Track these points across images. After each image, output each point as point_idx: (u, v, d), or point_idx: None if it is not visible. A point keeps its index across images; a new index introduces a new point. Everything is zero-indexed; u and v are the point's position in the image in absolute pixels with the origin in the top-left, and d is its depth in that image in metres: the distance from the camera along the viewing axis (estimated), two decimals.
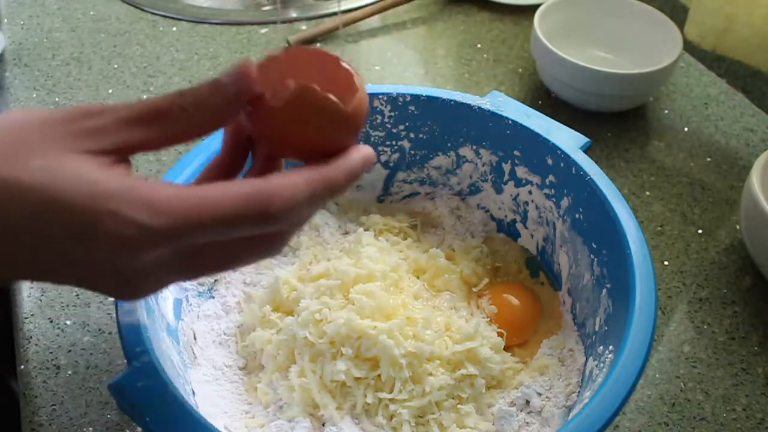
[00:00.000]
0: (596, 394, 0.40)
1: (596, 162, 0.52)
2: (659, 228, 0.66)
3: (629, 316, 0.43)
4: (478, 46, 0.86)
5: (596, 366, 0.46)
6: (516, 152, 0.56)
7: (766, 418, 0.53)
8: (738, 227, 0.66)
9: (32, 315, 0.56)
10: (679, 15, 0.81)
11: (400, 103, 0.56)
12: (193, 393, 0.46)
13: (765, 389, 0.55)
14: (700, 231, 0.66)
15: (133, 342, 0.40)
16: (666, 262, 0.63)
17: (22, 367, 0.53)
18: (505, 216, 0.59)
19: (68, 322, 0.55)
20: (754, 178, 0.59)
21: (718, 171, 0.72)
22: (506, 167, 0.57)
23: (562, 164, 0.53)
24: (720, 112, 0.78)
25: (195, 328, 0.51)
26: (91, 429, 0.50)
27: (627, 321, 0.43)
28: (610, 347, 0.44)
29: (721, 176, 0.71)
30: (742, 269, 0.63)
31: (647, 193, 0.69)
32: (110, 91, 0.77)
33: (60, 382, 0.52)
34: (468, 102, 0.56)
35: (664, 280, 0.62)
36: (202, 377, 0.48)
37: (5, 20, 0.86)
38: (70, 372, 0.53)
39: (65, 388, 0.52)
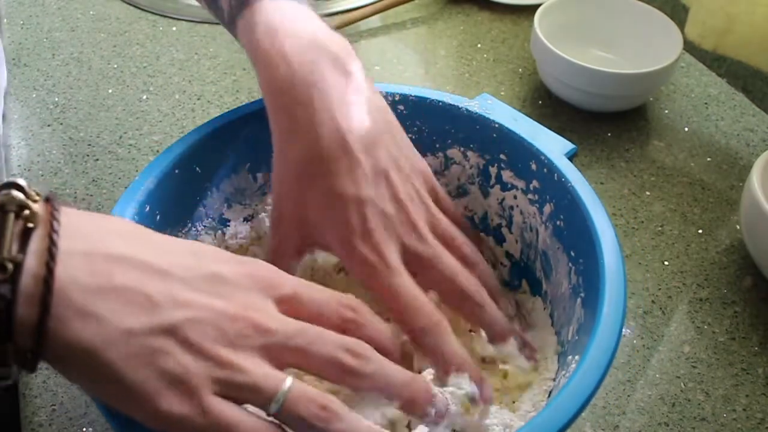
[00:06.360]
0: (547, 407, 0.38)
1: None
2: (659, 228, 0.66)
3: (594, 327, 0.42)
4: (478, 46, 0.86)
5: (564, 376, 0.45)
6: (502, 156, 0.55)
7: (767, 418, 0.53)
8: (738, 227, 0.66)
9: None
10: (679, 15, 0.81)
11: (389, 103, 0.56)
12: None
13: (765, 389, 0.55)
14: (700, 231, 0.66)
15: None
16: (666, 262, 0.63)
17: None
18: (492, 220, 0.59)
19: None
20: (755, 178, 0.59)
21: (718, 171, 0.72)
22: (493, 171, 0.56)
23: (545, 170, 0.52)
24: (720, 112, 0.78)
25: None
26: (91, 429, 0.50)
27: (591, 332, 0.42)
28: (576, 357, 0.43)
29: (721, 176, 0.71)
30: (742, 269, 0.63)
31: (647, 193, 0.69)
32: (110, 90, 0.77)
33: (60, 382, 0.52)
34: (456, 103, 0.55)
35: (664, 280, 0.62)
36: None
37: (5, 20, 0.86)
38: None
39: (65, 388, 0.52)
